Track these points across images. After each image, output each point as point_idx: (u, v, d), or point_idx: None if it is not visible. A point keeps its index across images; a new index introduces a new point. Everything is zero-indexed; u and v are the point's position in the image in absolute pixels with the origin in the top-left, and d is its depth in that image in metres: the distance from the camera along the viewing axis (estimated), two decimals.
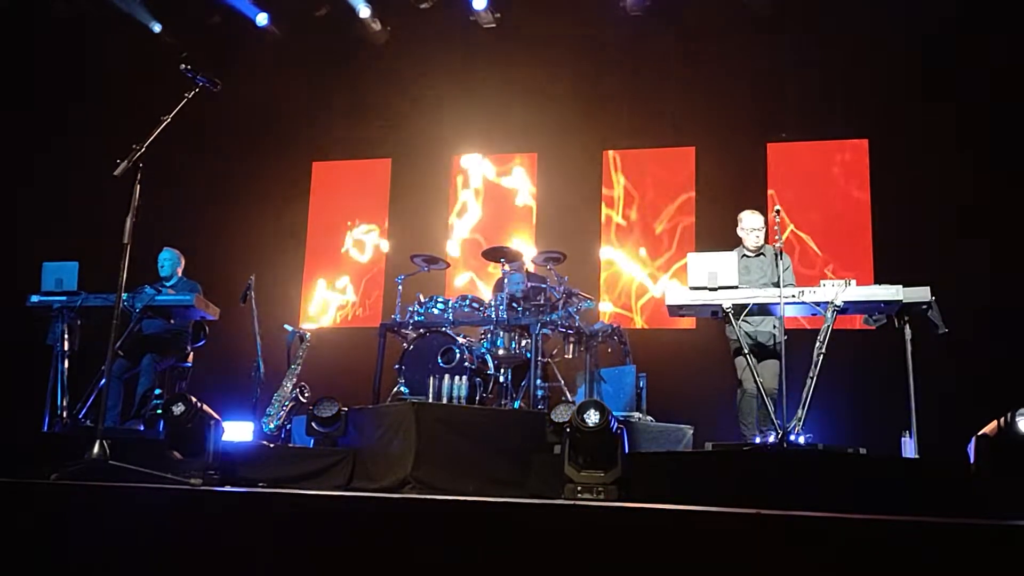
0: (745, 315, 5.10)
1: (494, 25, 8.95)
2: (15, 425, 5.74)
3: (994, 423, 4.08)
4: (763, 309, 5.11)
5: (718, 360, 6.66)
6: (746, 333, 5.49)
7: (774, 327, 5.42)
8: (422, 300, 6.52)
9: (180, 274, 6.79)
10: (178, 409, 4.43)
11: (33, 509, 3.30)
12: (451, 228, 9.18)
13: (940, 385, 5.99)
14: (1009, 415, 3.91)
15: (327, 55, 9.29)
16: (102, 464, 3.96)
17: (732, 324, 4.98)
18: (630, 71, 8.77)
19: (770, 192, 8.32)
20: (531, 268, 7.13)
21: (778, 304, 4.90)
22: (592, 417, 4.26)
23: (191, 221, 8.82)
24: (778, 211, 5.30)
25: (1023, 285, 7.18)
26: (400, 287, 6.77)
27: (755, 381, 5.03)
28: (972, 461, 4.04)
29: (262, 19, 9.24)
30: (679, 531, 2.87)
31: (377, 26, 9.09)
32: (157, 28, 9.31)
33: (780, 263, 5.13)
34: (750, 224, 5.79)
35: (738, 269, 5.51)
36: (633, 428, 5.48)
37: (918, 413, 4.87)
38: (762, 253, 5.74)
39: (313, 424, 5.50)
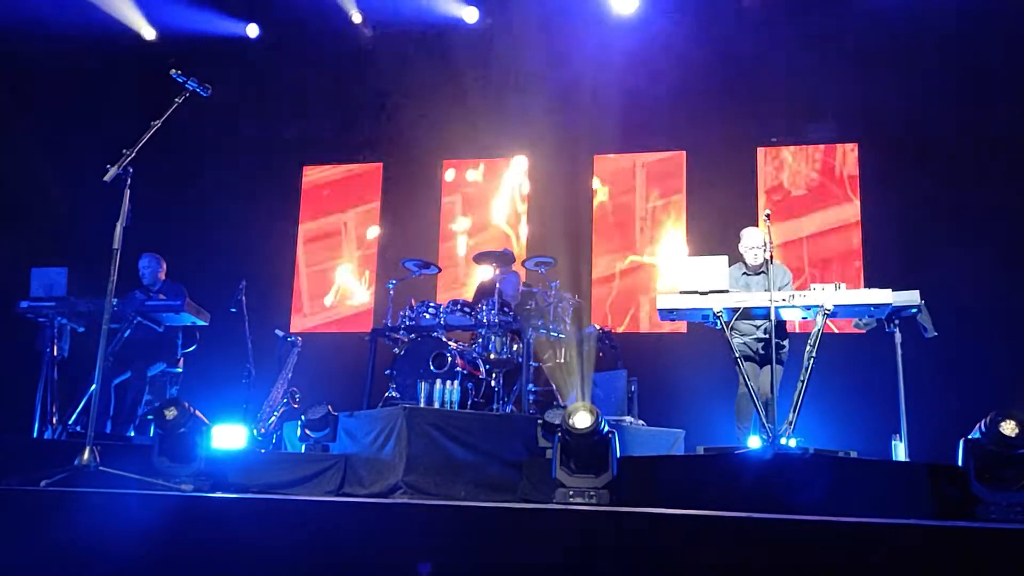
0: (740, 323, 5.10)
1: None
2: (5, 431, 5.71)
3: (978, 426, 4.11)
4: (747, 314, 5.11)
5: (709, 364, 6.69)
6: (743, 343, 5.50)
7: (764, 332, 5.43)
8: (413, 305, 6.52)
9: (163, 278, 6.72)
10: (171, 414, 4.41)
11: (23, 516, 3.29)
12: (442, 232, 9.18)
13: (930, 388, 6.03)
14: (990, 418, 3.93)
15: (317, 60, 9.29)
16: (93, 470, 3.94)
17: (724, 330, 4.99)
18: (621, 75, 8.79)
19: (760, 196, 8.37)
20: (522, 273, 7.14)
21: (768, 308, 4.90)
22: (582, 420, 4.27)
23: (181, 226, 8.80)
24: (768, 215, 5.32)
25: (1011, 288, 7.24)
26: (391, 292, 6.77)
27: (747, 386, 5.04)
28: (960, 464, 4.06)
29: (252, 31, 9.26)
30: (670, 535, 2.88)
31: (367, 31, 9.10)
32: (150, 35, 9.29)
33: (772, 268, 5.13)
34: (749, 242, 5.79)
35: (739, 286, 5.52)
36: (624, 432, 5.49)
37: (908, 416, 4.89)
38: (763, 271, 5.69)
39: (305, 428, 5.50)
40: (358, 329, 8.84)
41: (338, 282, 9.35)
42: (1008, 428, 3.84)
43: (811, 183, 8.37)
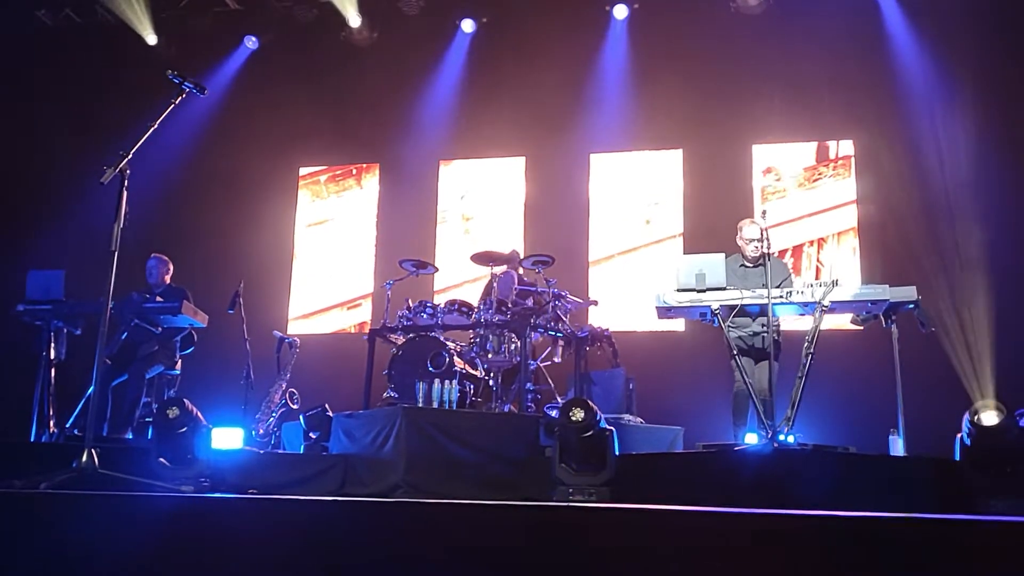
0: (735, 318, 5.11)
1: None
2: (3, 435, 5.70)
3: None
4: (744, 310, 5.11)
5: (707, 361, 6.70)
6: (739, 337, 5.51)
7: (763, 327, 5.44)
8: (411, 305, 6.52)
9: (167, 281, 6.73)
10: (173, 413, 4.42)
11: (22, 519, 3.28)
12: (439, 232, 9.19)
13: (927, 383, 6.03)
14: (970, 412, 3.94)
15: (314, 61, 9.28)
16: (91, 473, 3.93)
17: (722, 326, 4.99)
18: (617, 74, 8.80)
19: (756, 199, 8.40)
20: (520, 272, 7.14)
21: (766, 305, 4.91)
22: (577, 414, 4.28)
23: (179, 228, 8.79)
24: (764, 213, 5.32)
25: (1010, 283, 7.25)
26: (389, 292, 6.77)
27: (745, 383, 5.05)
28: (957, 459, 4.07)
29: (251, 43, 9.28)
30: (670, 532, 2.88)
31: (364, 32, 9.10)
32: (152, 40, 9.26)
33: (769, 264, 5.14)
34: (749, 234, 5.78)
35: (736, 278, 5.52)
36: (623, 430, 5.50)
37: (905, 412, 4.90)
38: (761, 264, 5.70)
39: (304, 428, 5.52)
40: (356, 330, 8.86)
41: (335, 271, 9.38)
42: (988, 418, 3.86)
43: (807, 179, 8.41)
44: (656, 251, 8.62)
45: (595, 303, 7.41)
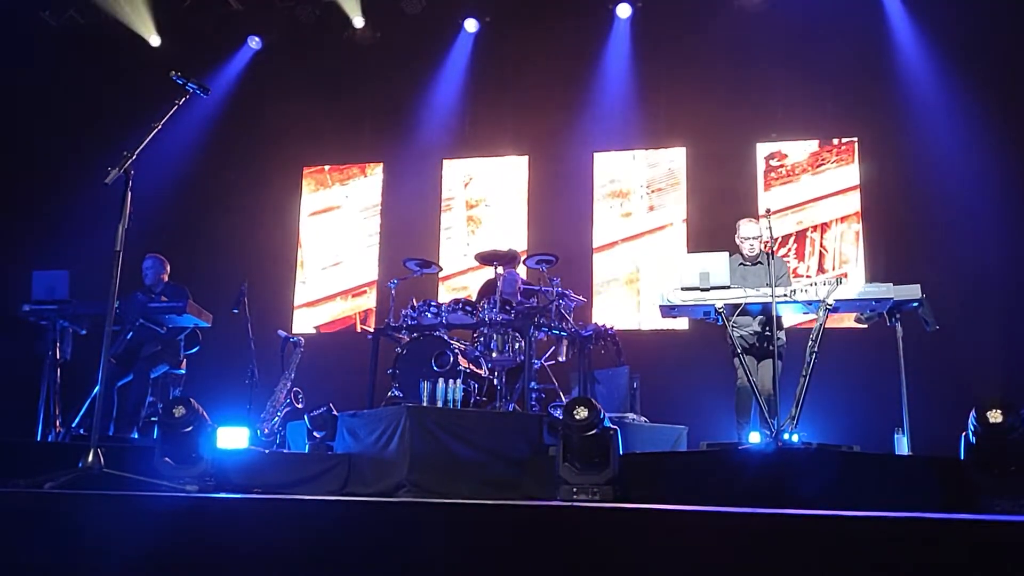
0: (737, 316, 5.11)
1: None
2: (8, 434, 5.72)
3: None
4: (746, 308, 5.11)
5: (711, 360, 6.69)
6: (741, 336, 5.51)
7: (760, 325, 5.44)
8: (415, 304, 6.52)
9: (165, 280, 6.70)
10: (179, 412, 4.43)
11: (27, 518, 3.29)
12: (443, 231, 9.19)
13: (932, 382, 6.02)
14: (975, 409, 3.93)
15: (317, 61, 9.30)
16: (97, 472, 3.94)
17: (726, 325, 4.99)
18: (620, 73, 8.80)
19: (759, 192, 8.39)
20: (523, 271, 7.15)
21: (770, 303, 4.91)
22: (581, 413, 4.28)
23: (183, 229, 8.82)
24: (768, 211, 5.32)
25: (1012, 281, 7.24)
26: (393, 291, 6.77)
27: (748, 381, 5.05)
28: (962, 458, 4.06)
29: (254, 44, 9.30)
30: (674, 531, 2.89)
31: (367, 32, 9.11)
32: (156, 42, 9.29)
33: (772, 263, 5.14)
34: (745, 233, 5.79)
35: (736, 277, 5.52)
36: (627, 429, 5.49)
37: (910, 410, 4.89)
38: (759, 262, 5.72)
39: (309, 427, 5.53)
40: (361, 329, 8.87)
41: (340, 259, 9.39)
42: (994, 416, 3.85)
43: (811, 177, 8.40)
44: (660, 238, 8.61)
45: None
